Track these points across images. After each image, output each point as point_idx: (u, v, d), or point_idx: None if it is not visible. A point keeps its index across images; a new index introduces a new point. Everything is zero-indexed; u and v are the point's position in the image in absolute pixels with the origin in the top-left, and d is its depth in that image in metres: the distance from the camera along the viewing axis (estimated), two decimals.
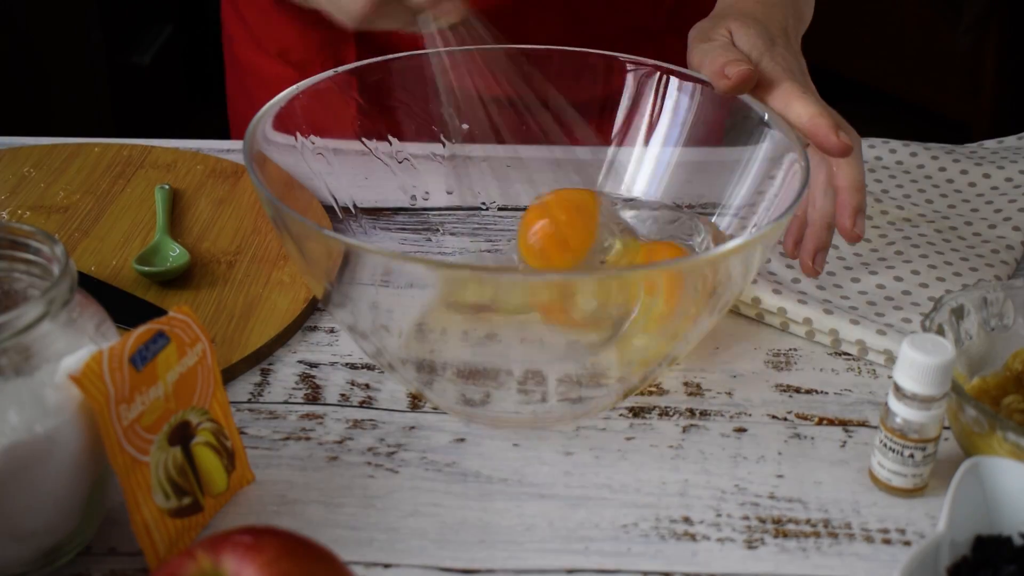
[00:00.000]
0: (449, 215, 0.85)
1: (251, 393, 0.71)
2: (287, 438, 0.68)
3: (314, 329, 0.77)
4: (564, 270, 0.75)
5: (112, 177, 0.92)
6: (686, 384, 0.73)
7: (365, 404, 0.71)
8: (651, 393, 0.72)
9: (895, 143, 0.97)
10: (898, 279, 0.80)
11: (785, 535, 0.63)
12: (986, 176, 0.92)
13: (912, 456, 0.64)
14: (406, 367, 0.68)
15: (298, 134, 0.75)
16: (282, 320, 0.76)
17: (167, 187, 0.89)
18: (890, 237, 0.85)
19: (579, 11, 1.00)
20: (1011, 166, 0.93)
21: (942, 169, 0.93)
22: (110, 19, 2.19)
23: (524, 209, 0.77)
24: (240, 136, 0.74)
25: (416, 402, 0.71)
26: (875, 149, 0.96)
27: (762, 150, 0.75)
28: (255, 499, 0.64)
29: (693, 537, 0.62)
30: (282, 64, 1.02)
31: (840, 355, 0.76)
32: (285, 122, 0.73)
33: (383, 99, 0.80)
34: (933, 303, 0.73)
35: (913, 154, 0.95)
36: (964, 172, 0.93)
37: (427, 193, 0.84)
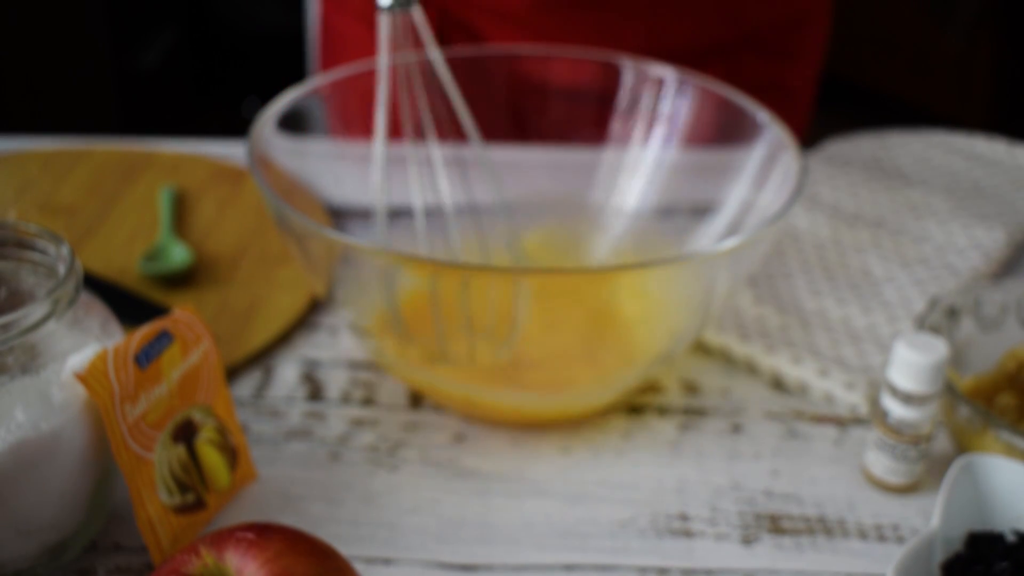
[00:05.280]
0: (449, 215, 0.85)
1: (254, 391, 0.72)
2: (289, 436, 0.69)
3: (316, 328, 0.78)
4: (561, 267, 0.76)
5: (117, 179, 0.93)
6: (683, 383, 0.74)
7: (366, 402, 0.72)
8: (648, 392, 0.73)
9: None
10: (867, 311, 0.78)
11: (780, 531, 0.63)
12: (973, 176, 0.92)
13: (906, 454, 0.64)
14: (406, 366, 0.69)
15: (300, 135, 0.76)
16: (284, 319, 0.77)
17: (172, 188, 0.90)
18: (857, 264, 0.83)
19: (655, 27, 0.97)
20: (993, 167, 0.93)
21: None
22: (116, 20, 2.19)
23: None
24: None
25: (416, 400, 0.72)
26: (876, 149, 0.97)
27: (758, 151, 0.75)
28: (258, 496, 0.64)
29: (689, 533, 0.63)
30: (365, 27, 1.00)
31: None
32: (288, 123, 0.74)
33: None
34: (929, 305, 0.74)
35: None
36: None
37: (426, 192, 0.84)
